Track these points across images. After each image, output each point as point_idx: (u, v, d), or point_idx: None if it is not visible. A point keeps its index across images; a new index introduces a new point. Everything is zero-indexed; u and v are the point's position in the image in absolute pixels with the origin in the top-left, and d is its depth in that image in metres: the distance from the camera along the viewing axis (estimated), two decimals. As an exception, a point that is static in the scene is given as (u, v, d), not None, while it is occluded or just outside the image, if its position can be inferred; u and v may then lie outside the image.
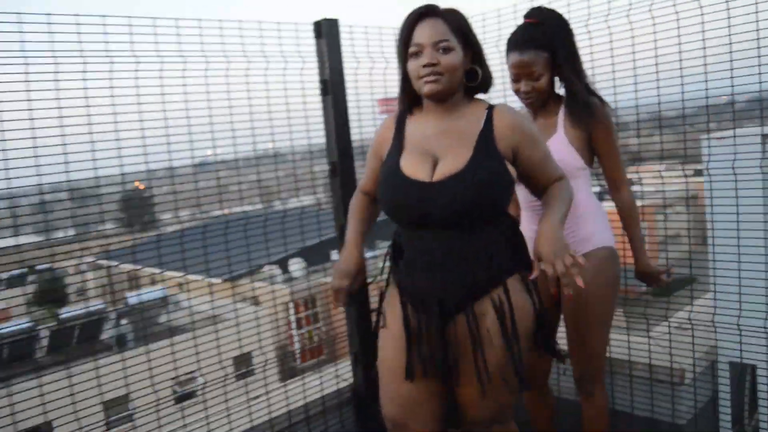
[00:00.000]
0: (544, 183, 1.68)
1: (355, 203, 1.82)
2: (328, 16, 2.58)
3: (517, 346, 1.57)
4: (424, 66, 1.55)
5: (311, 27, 2.55)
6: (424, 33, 1.56)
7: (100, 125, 1.91)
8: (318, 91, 2.55)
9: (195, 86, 2.14)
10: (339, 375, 2.55)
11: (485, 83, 1.68)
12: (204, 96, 2.17)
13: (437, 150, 1.61)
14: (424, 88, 1.57)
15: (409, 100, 1.69)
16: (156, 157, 2.07)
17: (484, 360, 1.57)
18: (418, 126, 1.68)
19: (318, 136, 2.58)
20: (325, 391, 2.51)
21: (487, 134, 1.60)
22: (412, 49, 1.57)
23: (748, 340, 2.31)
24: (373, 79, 2.69)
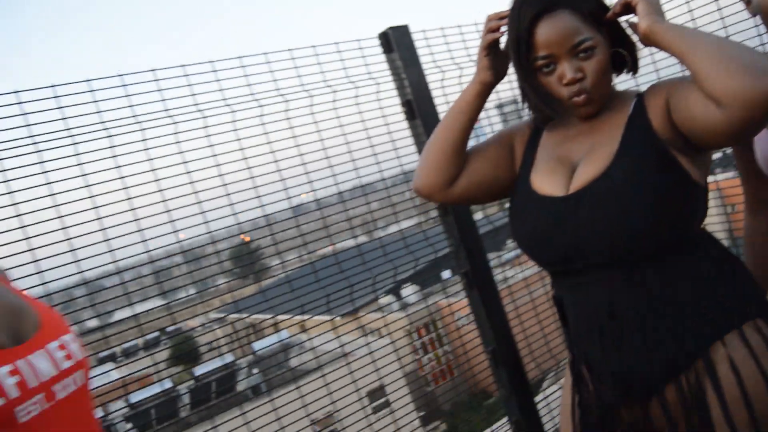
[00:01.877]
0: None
1: None
2: (394, 24, 2.06)
3: None
4: (567, 84, 1.16)
5: (377, 41, 2.09)
6: (553, 37, 1.14)
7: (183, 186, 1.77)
8: (402, 113, 2.10)
9: (250, 137, 1.83)
10: None
11: (634, 63, 1.25)
12: (264, 142, 1.87)
13: (575, 154, 1.23)
14: (575, 112, 1.21)
15: (544, 116, 1.33)
16: (255, 210, 1.92)
17: None
18: (553, 133, 1.32)
19: (410, 162, 2.15)
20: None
21: (637, 119, 1.17)
22: (540, 62, 1.18)
23: None
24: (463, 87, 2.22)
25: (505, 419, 2.25)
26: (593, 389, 1.21)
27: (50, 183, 1.54)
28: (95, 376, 1.67)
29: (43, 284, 1.51)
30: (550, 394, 2.40)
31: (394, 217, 2.35)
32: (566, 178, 1.19)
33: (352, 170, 2.04)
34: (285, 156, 1.88)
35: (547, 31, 1.14)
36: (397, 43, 2.08)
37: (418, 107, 2.05)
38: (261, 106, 1.83)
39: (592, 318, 1.16)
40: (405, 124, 2.10)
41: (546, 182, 1.22)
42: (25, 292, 1.01)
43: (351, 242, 2.35)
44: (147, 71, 1.64)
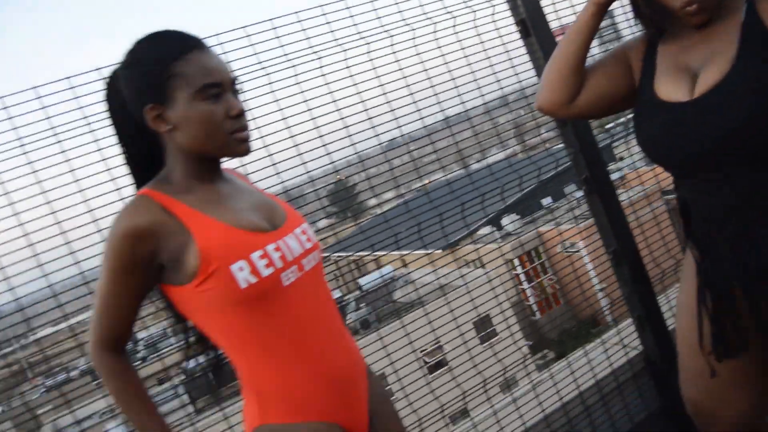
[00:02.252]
0: None
1: None
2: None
3: None
4: None
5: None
6: None
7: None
8: (516, 35, 2.18)
9: (383, 66, 1.99)
10: (625, 343, 2.25)
11: None
12: (395, 70, 2.03)
13: (694, 61, 1.27)
14: (688, 21, 1.25)
15: (656, 26, 1.37)
16: (359, 143, 2.01)
17: None
18: (668, 44, 1.36)
19: (528, 78, 2.25)
20: (614, 364, 2.17)
21: (751, 22, 1.20)
22: None
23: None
24: (574, 3, 2.23)
25: (629, 320, 2.32)
26: (719, 284, 1.30)
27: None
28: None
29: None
30: (671, 291, 2.42)
31: (516, 131, 2.46)
32: (689, 85, 1.25)
33: (475, 89, 2.15)
34: (415, 81, 2.04)
35: None
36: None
37: (533, 25, 2.11)
38: (391, 36, 1.99)
39: (717, 215, 1.25)
40: (521, 43, 2.19)
41: (670, 89, 1.28)
42: (266, 191, 1.30)
43: (449, 175, 2.39)
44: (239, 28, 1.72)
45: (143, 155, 1.17)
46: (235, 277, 1.03)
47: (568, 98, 1.42)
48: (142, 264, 1.05)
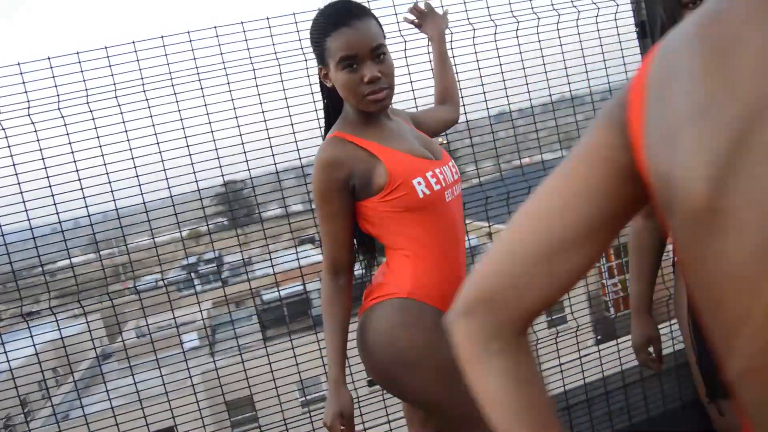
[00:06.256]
0: None
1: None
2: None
3: None
4: None
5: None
6: None
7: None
8: (635, 33, 2.36)
9: (507, 47, 2.22)
10: (675, 338, 2.40)
11: None
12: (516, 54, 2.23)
13: None
14: None
15: None
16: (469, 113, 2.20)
17: None
18: None
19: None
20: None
21: None
22: None
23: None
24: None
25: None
26: None
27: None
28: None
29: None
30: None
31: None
32: None
33: (584, 80, 2.29)
34: (533, 64, 2.25)
35: None
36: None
37: (651, 28, 2.27)
38: (518, 21, 2.21)
39: None
40: (636, 43, 2.35)
41: None
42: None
43: (549, 156, 2.48)
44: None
45: (331, 95, 1.47)
46: (415, 188, 1.36)
47: None
48: (341, 187, 1.36)
